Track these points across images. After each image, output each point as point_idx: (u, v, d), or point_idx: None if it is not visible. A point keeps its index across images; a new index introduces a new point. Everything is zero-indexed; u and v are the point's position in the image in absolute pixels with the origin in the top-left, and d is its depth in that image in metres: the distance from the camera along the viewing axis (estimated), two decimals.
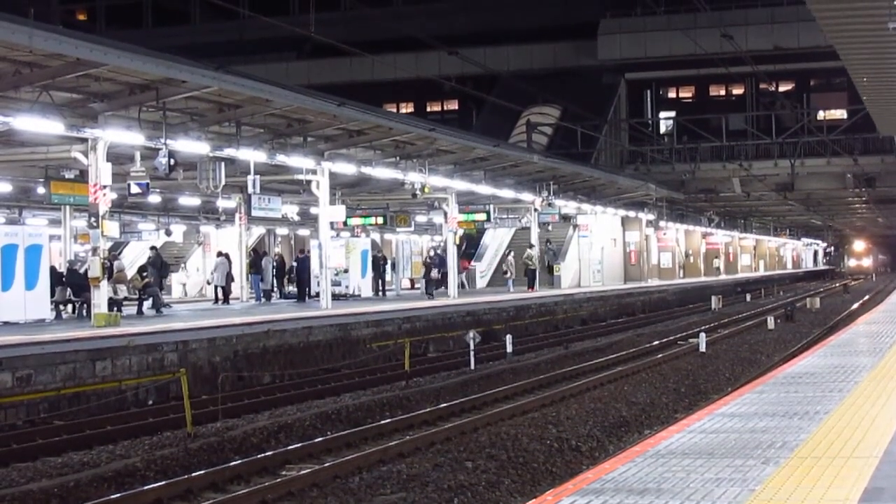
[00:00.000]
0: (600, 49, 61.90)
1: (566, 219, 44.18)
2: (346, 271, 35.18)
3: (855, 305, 44.45)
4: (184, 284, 42.48)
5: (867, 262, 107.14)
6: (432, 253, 37.85)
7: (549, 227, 42.44)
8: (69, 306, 25.25)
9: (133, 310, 26.03)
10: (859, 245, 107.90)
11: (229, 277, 32.75)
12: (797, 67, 60.72)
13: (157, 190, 30.02)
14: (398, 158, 30.65)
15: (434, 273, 35.76)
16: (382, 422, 15.69)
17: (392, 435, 14.94)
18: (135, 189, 21.82)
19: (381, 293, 37.18)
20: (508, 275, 39.98)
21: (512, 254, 41.77)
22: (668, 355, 25.31)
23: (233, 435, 14.51)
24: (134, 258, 39.12)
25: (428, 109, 69.03)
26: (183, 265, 43.33)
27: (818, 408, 10.08)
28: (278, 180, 29.03)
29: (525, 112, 54.52)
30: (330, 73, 62.17)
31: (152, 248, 31.92)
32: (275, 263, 35.67)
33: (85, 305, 23.75)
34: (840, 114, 59.69)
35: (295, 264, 35.64)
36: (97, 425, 15.31)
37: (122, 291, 25.51)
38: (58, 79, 18.44)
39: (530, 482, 12.30)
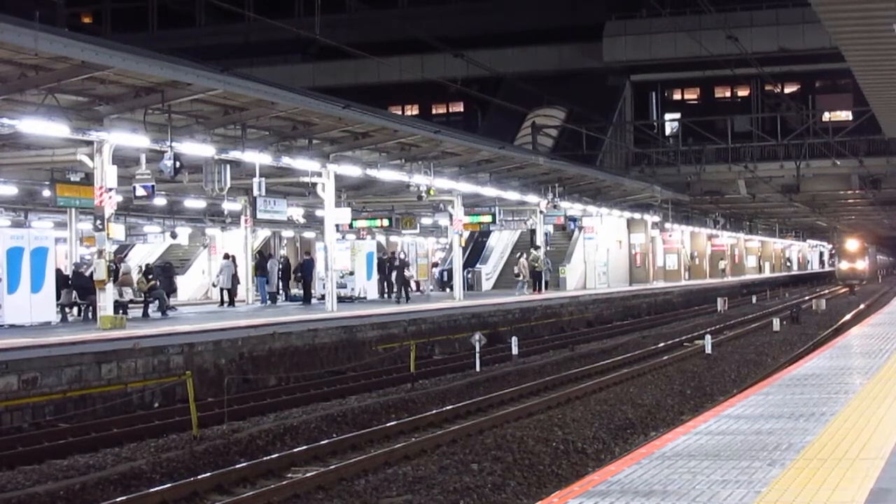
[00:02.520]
0: (605, 51, 61.89)
1: (563, 228, 43.88)
2: (351, 274, 35.17)
3: (861, 307, 44.37)
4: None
5: (862, 265, 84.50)
6: (402, 256, 36.37)
7: (549, 248, 41.74)
8: (75, 309, 25.28)
9: (139, 312, 26.06)
10: (852, 244, 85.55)
11: (235, 280, 32.78)
12: (802, 69, 60.67)
13: (163, 192, 30.05)
14: (403, 161, 30.67)
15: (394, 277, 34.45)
16: (388, 424, 15.68)
17: (398, 437, 14.94)
18: (140, 192, 21.86)
19: (386, 295, 37.17)
20: (521, 277, 39.48)
21: (524, 256, 41.07)
22: (674, 357, 25.29)
23: (238, 437, 14.51)
24: (139, 261, 39.14)
25: (433, 111, 69.04)
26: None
27: (824, 409, 10.07)
28: (284, 183, 29.06)
29: (530, 114, 54.53)
30: (335, 75, 62.20)
31: (147, 266, 31.75)
32: (280, 266, 35.69)
33: (90, 308, 23.78)
34: (845, 115, 59.67)
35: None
36: (103, 428, 15.34)
37: (128, 294, 25.55)
38: (63, 82, 18.47)
39: (536, 484, 12.30)
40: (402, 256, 35.25)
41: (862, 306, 44.87)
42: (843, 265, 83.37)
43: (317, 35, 25.40)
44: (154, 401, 17.65)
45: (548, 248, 42.24)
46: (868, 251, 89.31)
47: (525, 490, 12.00)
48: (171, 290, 30.13)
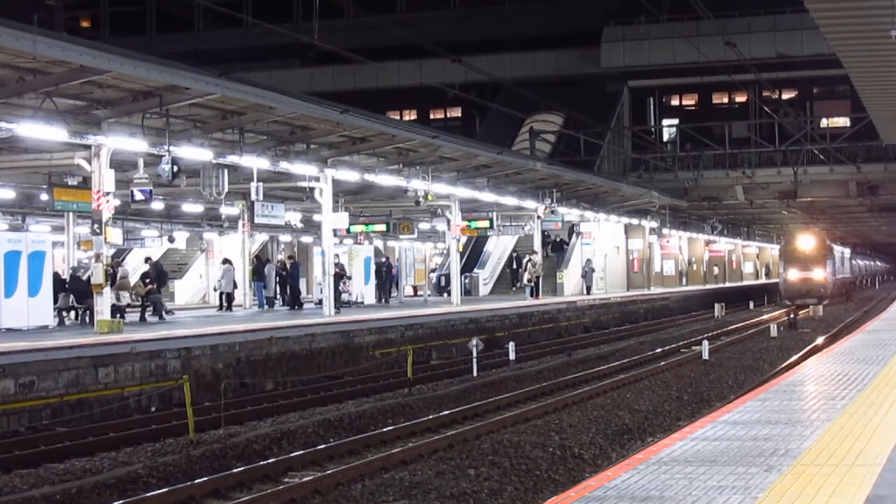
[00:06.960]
0: (603, 57, 61.89)
1: (546, 256, 43.46)
2: (349, 278, 35.12)
3: (858, 313, 44.39)
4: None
5: (821, 275, 53.28)
6: (336, 261, 32.33)
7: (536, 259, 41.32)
8: (72, 313, 25.27)
9: (136, 316, 26.03)
10: (806, 242, 54.89)
11: (233, 284, 32.75)
12: (800, 75, 60.67)
13: (161, 197, 30.03)
14: (401, 166, 30.64)
15: (343, 286, 32.70)
16: (385, 429, 15.68)
17: (395, 442, 14.93)
18: (138, 196, 21.82)
19: (384, 300, 37.18)
20: (528, 281, 38.91)
21: (531, 259, 39.96)
22: (671, 363, 25.29)
23: (235, 442, 14.50)
24: (137, 265, 39.12)
25: (431, 117, 69.00)
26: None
27: (821, 416, 10.07)
28: (281, 187, 29.05)
29: (528, 119, 54.52)
30: (333, 80, 62.20)
31: (147, 259, 31.76)
32: (278, 270, 35.65)
33: (88, 312, 23.78)
34: (843, 122, 59.70)
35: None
36: (100, 432, 15.33)
37: (125, 298, 25.53)
38: (61, 85, 18.46)
39: (533, 490, 12.29)
40: (336, 261, 33.85)
41: (859, 313, 44.88)
42: (792, 275, 53.77)
43: (315, 40, 25.50)
44: (151, 405, 17.64)
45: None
46: (833, 254, 57.93)
47: (522, 496, 12.00)
48: (161, 281, 29.79)
